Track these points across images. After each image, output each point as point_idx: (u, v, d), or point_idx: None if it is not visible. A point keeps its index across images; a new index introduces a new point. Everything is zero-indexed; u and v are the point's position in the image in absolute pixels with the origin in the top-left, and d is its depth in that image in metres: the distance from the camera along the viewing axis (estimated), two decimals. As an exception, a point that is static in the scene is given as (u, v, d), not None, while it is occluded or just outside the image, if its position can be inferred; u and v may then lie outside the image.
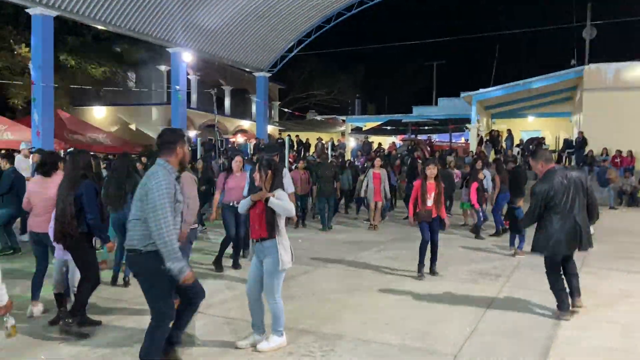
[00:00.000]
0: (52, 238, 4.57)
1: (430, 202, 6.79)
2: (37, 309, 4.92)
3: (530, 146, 21.45)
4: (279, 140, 25.34)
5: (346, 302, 5.60)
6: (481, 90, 21.85)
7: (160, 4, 18.65)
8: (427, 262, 6.93)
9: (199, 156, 17.04)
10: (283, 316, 4.30)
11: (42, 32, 15.91)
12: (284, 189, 4.31)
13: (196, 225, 5.17)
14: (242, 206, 4.33)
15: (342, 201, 14.81)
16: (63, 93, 23.31)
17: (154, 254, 3.44)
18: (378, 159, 12.46)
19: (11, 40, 20.63)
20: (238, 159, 7.27)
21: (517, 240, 8.57)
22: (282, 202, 4.15)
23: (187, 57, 21.47)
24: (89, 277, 4.47)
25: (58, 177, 4.85)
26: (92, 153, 11.61)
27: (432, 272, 6.93)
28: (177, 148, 3.60)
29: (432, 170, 6.86)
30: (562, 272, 5.34)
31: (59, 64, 23.20)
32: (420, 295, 5.90)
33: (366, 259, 8.00)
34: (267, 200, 4.14)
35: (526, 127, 27.66)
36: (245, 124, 34.19)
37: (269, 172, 4.27)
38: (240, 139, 30.86)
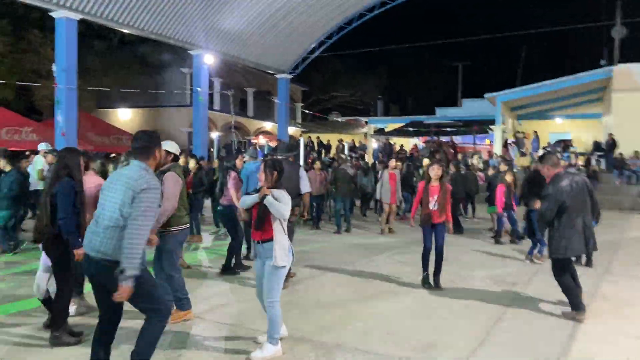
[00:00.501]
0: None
1: (433, 206, 6.29)
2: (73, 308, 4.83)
3: (558, 148, 20.86)
4: (295, 142, 25.20)
5: (350, 310, 5.42)
6: (505, 91, 21.31)
7: (182, 7, 18.78)
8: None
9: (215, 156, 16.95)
10: (279, 322, 4.17)
11: (66, 35, 16.15)
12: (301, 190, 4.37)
13: (187, 226, 5.04)
14: (245, 201, 4.30)
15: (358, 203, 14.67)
16: (88, 95, 23.72)
17: None
18: (393, 159, 12.25)
19: (37, 43, 21.06)
20: (233, 174, 7.10)
21: (532, 245, 8.25)
22: (278, 203, 4.11)
23: (208, 59, 21.58)
24: (65, 282, 4.35)
25: (88, 177, 4.80)
26: (95, 152, 11.69)
27: (435, 284, 6.31)
28: (155, 151, 3.53)
29: (436, 172, 6.41)
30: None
31: (85, 67, 23.70)
32: (428, 304, 5.68)
33: (377, 263, 7.80)
34: (264, 197, 4.12)
35: (554, 129, 26.88)
36: (268, 125, 34.28)
37: (275, 172, 4.27)
38: (262, 140, 30.96)
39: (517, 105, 23.76)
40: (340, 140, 25.23)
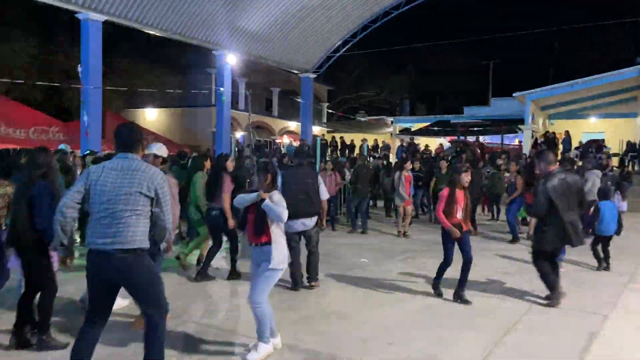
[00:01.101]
0: None
1: (460, 214, 5.86)
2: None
3: (590, 149, 20.10)
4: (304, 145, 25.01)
5: (351, 317, 5.20)
6: (535, 89, 20.63)
7: (205, 7, 18.85)
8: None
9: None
10: (269, 321, 4.09)
11: (91, 36, 16.41)
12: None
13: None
14: (240, 201, 4.20)
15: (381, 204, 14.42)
16: (117, 96, 24.11)
17: (147, 250, 3.43)
18: (409, 161, 11.94)
19: (67, 44, 21.48)
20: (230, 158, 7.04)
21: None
22: (277, 207, 4.05)
23: (231, 59, 21.62)
24: (46, 286, 4.25)
25: None
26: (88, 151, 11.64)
27: (460, 298, 5.76)
28: (142, 145, 3.55)
29: (468, 179, 5.92)
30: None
31: (112, 68, 24.12)
32: (435, 313, 5.41)
33: (388, 268, 7.53)
34: (262, 201, 4.05)
35: (588, 128, 25.95)
36: (293, 125, 34.20)
37: (269, 175, 4.19)
38: (286, 140, 30.94)
39: (548, 104, 23.00)
40: (364, 140, 24.92)
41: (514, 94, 21.29)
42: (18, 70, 19.64)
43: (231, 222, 6.41)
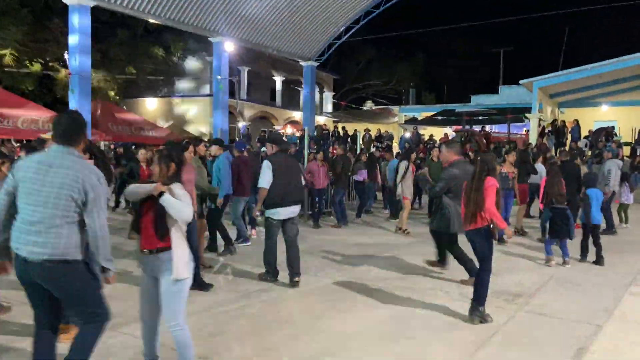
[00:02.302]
0: None
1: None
2: None
3: (599, 138, 19.23)
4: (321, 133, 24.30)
5: (308, 327, 4.62)
6: (542, 76, 19.76)
7: (200, -8, 18.24)
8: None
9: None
10: (191, 346, 3.42)
11: (79, 22, 15.89)
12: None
13: None
14: (132, 193, 3.43)
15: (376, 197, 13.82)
16: (113, 85, 23.67)
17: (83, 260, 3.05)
18: (414, 153, 11.30)
19: (59, 32, 21.02)
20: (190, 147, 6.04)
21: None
22: (178, 202, 3.31)
23: (228, 46, 21.03)
24: None
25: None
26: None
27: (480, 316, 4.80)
28: (84, 135, 3.15)
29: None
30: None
31: (109, 57, 23.67)
32: (407, 321, 4.81)
33: (370, 267, 6.93)
34: (160, 195, 3.29)
35: (600, 117, 24.94)
36: (297, 115, 33.57)
37: (172, 164, 3.47)
38: (289, 129, 30.31)
39: (557, 91, 22.10)
40: (367, 130, 24.24)
41: (520, 82, 20.46)
42: (8, 58, 19.19)
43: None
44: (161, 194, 3.29)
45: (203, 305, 5.07)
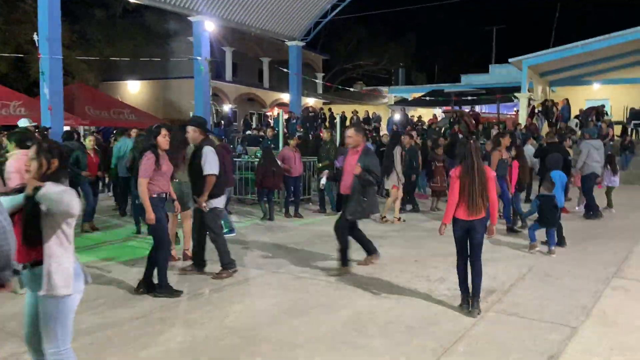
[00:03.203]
0: None
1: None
2: None
3: (589, 117, 18.79)
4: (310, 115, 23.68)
5: (258, 332, 4.18)
6: (532, 54, 19.20)
7: (175, -31, 17.48)
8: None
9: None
10: None
11: (49, 1, 15.16)
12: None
13: None
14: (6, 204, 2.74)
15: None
16: (89, 67, 22.92)
17: None
18: (407, 136, 10.80)
19: (33, 13, 20.19)
20: (164, 132, 5.23)
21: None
22: (57, 191, 2.72)
23: (209, 26, 20.29)
24: None
25: None
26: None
27: (474, 308, 4.62)
28: None
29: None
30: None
31: (86, 37, 22.88)
32: (362, 326, 4.37)
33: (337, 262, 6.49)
34: (35, 192, 2.71)
35: (591, 95, 24.46)
36: (285, 97, 32.88)
37: (54, 160, 2.87)
38: (275, 112, 29.71)
39: (547, 70, 21.55)
40: (355, 112, 23.67)
41: (509, 60, 19.91)
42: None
43: (150, 215, 5.02)
44: (37, 189, 2.71)
45: (140, 311, 4.63)
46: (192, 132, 5.73)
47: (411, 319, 4.50)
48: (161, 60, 27.43)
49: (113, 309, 4.68)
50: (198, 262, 5.87)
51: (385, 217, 9.18)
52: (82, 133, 18.00)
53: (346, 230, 6.00)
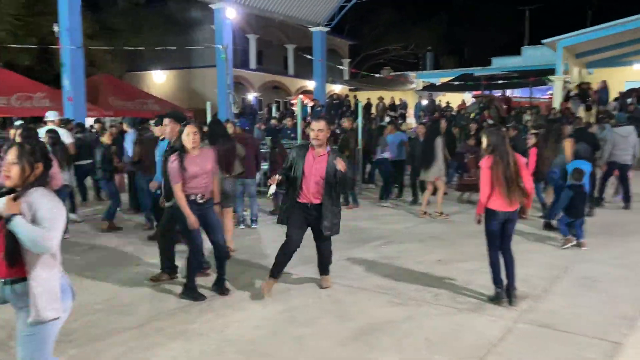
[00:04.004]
0: None
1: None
2: None
3: (629, 99, 17.70)
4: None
5: (258, 346, 3.81)
6: (567, 34, 18.14)
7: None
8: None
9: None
10: None
11: (69, -11, 15.06)
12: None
13: None
14: None
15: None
16: (113, 58, 22.91)
17: None
18: (421, 125, 10.26)
19: (56, 4, 20.21)
20: (187, 129, 4.68)
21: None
22: (32, 229, 2.42)
23: (230, 13, 19.95)
24: None
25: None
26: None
27: (515, 298, 4.57)
28: None
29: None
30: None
31: (109, 28, 22.83)
32: (371, 340, 3.94)
33: (353, 265, 6.06)
34: (8, 219, 2.42)
35: (631, 76, 23.08)
36: (311, 84, 32.38)
37: (38, 165, 2.59)
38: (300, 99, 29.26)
39: (584, 50, 20.41)
40: (380, 99, 23.03)
41: (543, 41, 18.90)
42: (3, 33, 18.54)
43: (191, 219, 4.63)
44: (10, 217, 2.41)
45: (137, 319, 4.32)
46: (171, 126, 5.23)
47: (430, 331, 4.05)
48: (185, 50, 27.34)
49: (109, 316, 4.39)
50: (170, 266, 5.37)
51: (425, 212, 8.55)
52: (108, 124, 17.98)
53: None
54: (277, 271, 4.84)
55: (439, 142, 8.43)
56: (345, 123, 11.20)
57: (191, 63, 27.46)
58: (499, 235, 4.61)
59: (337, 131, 12.51)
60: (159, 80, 27.88)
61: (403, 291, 4.95)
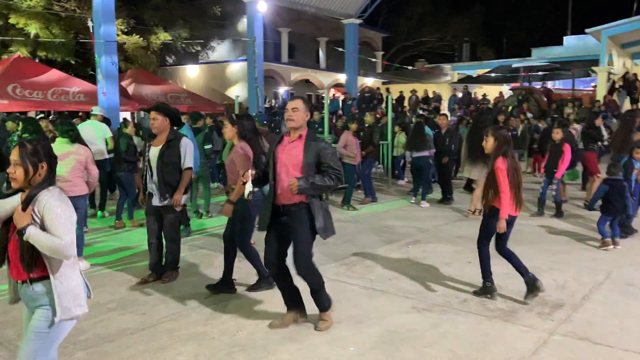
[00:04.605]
0: None
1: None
2: None
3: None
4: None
5: (269, 353, 3.60)
6: (612, 23, 17.25)
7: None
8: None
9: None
10: None
11: (102, -17, 15.19)
12: None
13: None
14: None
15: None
16: (148, 53, 23.14)
17: None
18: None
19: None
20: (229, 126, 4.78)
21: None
22: (47, 238, 2.40)
23: (262, 6, 19.81)
24: None
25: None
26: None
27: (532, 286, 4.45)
28: None
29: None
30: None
31: (143, 23, 23.06)
32: (396, 346, 3.68)
33: (374, 258, 5.80)
34: (21, 231, 2.39)
35: (682, 67, 21.92)
36: (343, 77, 32.02)
37: (43, 164, 2.51)
38: (331, 93, 29.00)
39: (630, 40, 19.38)
40: (413, 91, 22.52)
41: (586, 30, 18.04)
42: (42, 28, 18.92)
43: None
44: (23, 229, 2.38)
45: (149, 319, 4.18)
46: (160, 120, 4.93)
47: (456, 341, 3.76)
48: (218, 44, 27.44)
49: (121, 316, 4.27)
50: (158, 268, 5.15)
51: (476, 210, 7.92)
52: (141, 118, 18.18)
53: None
54: (286, 302, 4.04)
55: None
56: (368, 117, 10.74)
57: (224, 57, 27.56)
58: (501, 236, 4.48)
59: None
60: (192, 75, 28.09)
61: (428, 295, 4.66)
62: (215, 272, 5.26)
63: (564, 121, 9.88)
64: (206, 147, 8.02)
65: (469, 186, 9.72)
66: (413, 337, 3.82)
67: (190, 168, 5.05)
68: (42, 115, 9.37)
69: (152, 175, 4.94)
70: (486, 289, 4.57)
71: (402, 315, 4.23)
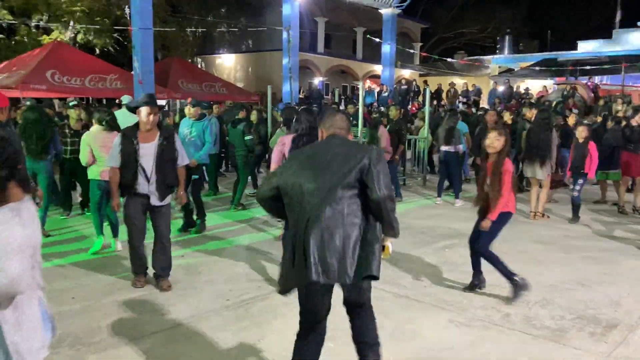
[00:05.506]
0: None
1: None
2: None
3: None
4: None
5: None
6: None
7: None
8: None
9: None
10: None
11: (139, -28, 15.15)
12: None
13: None
14: None
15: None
16: (185, 41, 23.21)
17: None
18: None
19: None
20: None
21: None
22: None
23: (299, -5, 19.50)
24: None
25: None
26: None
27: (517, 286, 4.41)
28: None
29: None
30: None
31: (181, 11, 23.14)
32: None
33: (409, 262, 5.45)
34: None
35: None
36: (379, 68, 31.42)
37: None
38: (367, 84, 28.49)
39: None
40: (452, 84, 21.85)
41: (638, 23, 16.98)
42: (81, 15, 19.14)
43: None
44: None
45: (169, 321, 3.96)
46: (152, 115, 4.53)
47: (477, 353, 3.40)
48: (254, 33, 27.27)
49: (140, 316, 4.07)
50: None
51: (536, 213, 7.54)
52: (178, 107, 18.21)
53: None
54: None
55: (554, 135, 7.52)
56: (392, 112, 9.86)
57: (260, 46, 27.39)
58: (489, 235, 4.48)
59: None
60: (228, 64, 28.06)
61: (467, 308, 4.29)
62: (238, 270, 5.03)
63: (617, 118, 9.21)
64: (246, 138, 7.85)
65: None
66: (449, 357, 3.48)
67: (186, 165, 4.81)
68: (75, 102, 9.15)
69: (146, 175, 4.49)
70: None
71: (438, 331, 3.88)
